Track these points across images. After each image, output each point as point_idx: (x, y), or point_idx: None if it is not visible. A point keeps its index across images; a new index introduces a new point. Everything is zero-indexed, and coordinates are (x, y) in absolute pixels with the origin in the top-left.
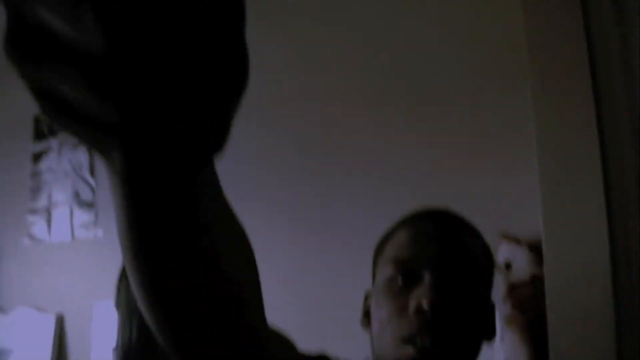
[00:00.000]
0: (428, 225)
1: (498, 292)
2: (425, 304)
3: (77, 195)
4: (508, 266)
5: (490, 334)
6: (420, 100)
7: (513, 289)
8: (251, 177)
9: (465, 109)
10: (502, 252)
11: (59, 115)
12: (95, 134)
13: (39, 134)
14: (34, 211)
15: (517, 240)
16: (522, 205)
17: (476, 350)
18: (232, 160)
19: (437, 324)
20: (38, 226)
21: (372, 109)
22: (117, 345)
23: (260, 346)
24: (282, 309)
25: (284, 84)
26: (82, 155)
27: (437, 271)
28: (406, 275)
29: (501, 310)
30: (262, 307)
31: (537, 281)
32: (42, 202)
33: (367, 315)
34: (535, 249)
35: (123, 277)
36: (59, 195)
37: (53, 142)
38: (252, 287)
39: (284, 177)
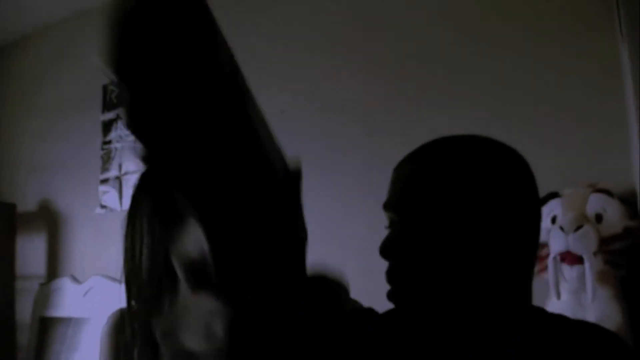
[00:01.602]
0: (412, 161)
1: (589, 246)
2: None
3: None
4: (599, 219)
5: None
6: (505, 45)
7: (604, 243)
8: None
9: (553, 51)
10: (593, 204)
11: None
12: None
13: (108, 104)
14: (105, 180)
15: (608, 192)
16: (613, 157)
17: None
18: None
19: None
20: (109, 195)
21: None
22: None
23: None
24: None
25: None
26: None
27: (402, 216)
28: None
29: (592, 267)
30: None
31: (630, 234)
32: (112, 171)
33: None
34: (628, 202)
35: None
36: (129, 163)
37: (122, 111)
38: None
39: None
